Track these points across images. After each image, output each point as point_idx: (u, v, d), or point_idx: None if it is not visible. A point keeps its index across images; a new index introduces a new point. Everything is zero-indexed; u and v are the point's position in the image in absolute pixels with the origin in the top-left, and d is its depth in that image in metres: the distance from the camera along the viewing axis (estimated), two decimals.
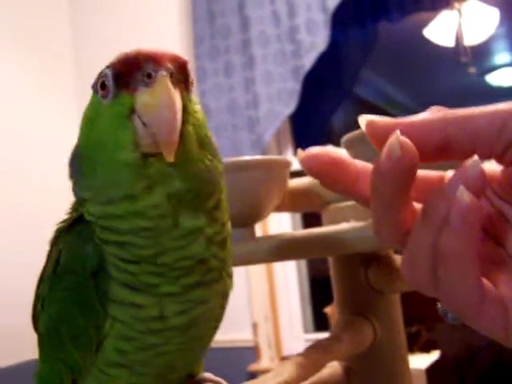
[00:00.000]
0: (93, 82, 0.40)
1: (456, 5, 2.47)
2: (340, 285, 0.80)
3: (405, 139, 0.25)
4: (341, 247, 0.63)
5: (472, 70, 2.65)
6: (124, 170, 0.37)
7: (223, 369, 0.70)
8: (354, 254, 0.74)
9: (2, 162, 2.33)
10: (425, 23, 2.62)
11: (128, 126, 0.36)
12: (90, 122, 0.40)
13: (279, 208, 0.77)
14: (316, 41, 2.35)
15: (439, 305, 0.27)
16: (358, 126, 0.29)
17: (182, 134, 0.36)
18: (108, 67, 0.38)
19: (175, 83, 0.36)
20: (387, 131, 0.26)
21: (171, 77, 0.36)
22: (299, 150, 0.29)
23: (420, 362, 2.01)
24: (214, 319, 0.44)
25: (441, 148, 0.26)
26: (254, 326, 2.45)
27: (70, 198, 0.43)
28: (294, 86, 2.37)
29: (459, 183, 0.24)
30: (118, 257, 0.40)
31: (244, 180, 0.66)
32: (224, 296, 0.44)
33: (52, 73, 2.70)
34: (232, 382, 0.50)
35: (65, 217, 0.44)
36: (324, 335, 0.71)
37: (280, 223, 2.48)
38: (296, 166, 0.48)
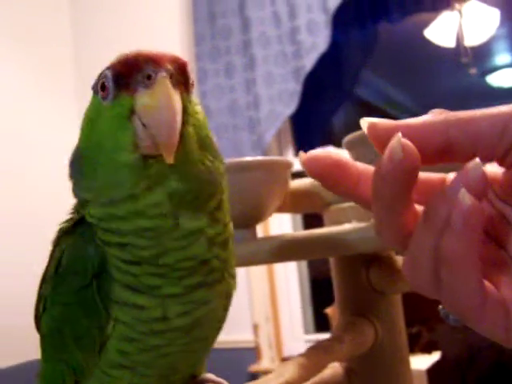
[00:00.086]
0: (93, 82, 0.40)
1: (457, 5, 2.47)
2: (341, 285, 0.80)
3: (406, 141, 0.25)
4: (342, 248, 0.63)
5: (473, 70, 2.65)
6: (124, 171, 0.37)
7: (224, 369, 0.70)
8: (356, 254, 0.75)
9: (2, 162, 2.33)
10: (425, 24, 2.62)
11: (128, 127, 0.36)
12: (91, 122, 0.40)
13: (280, 209, 0.77)
14: (317, 41, 2.35)
15: (441, 307, 0.27)
16: (358, 127, 0.29)
17: (182, 135, 0.36)
18: (108, 68, 0.38)
19: (175, 84, 0.36)
20: (389, 133, 0.26)
21: (171, 78, 0.36)
22: (301, 153, 0.29)
23: (421, 362, 2.01)
24: (217, 320, 0.44)
25: (442, 150, 0.26)
26: (255, 327, 2.45)
27: (70, 198, 0.43)
28: (294, 87, 2.37)
29: (461, 186, 0.24)
30: (120, 258, 0.40)
31: (245, 181, 0.66)
32: (227, 296, 0.44)
33: (52, 72, 2.70)
34: (233, 383, 0.50)
35: (67, 217, 0.44)
36: (325, 336, 0.71)
37: (281, 224, 2.48)
38: (297, 166, 0.49)
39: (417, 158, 0.25)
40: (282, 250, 0.66)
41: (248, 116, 2.43)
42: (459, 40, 2.51)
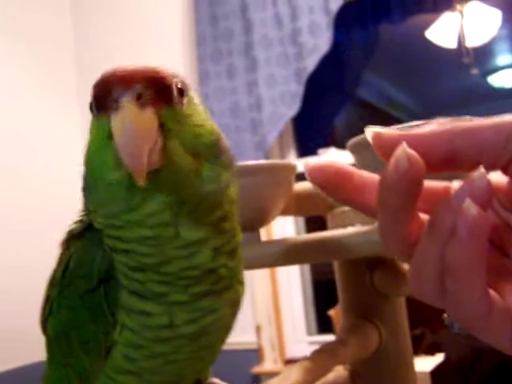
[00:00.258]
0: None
1: (458, 6, 2.47)
2: (345, 289, 0.80)
3: (411, 151, 0.25)
4: (346, 252, 0.63)
5: (474, 71, 2.65)
6: (114, 188, 0.37)
7: (226, 371, 0.70)
8: (360, 258, 0.75)
9: (3, 162, 2.32)
10: (427, 25, 2.62)
11: (109, 146, 0.36)
12: (87, 140, 0.40)
13: (284, 212, 0.77)
14: (318, 43, 2.35)
15: (446, 315, 0.27)
16: (360, 128, 0.29)
17: (165, 150, 0.36)
18: (92, 88, 0.38)
19: (146, 103, 0.35)
20: (393, 143, 0.26)
21: (139, 98, 0.35)
22: (305, 161, 0.29)
23: (424, 364, 2.00)
24: (225, 328, 0.44)
25: (447, 160, 0.27)
26: (258, 329, 2.45)
27: (71, 199, 0.44)
28: (296, 89, 2.37)
29: (466, 195, 0.24)
30: (126, 265, 0.40)
31: (249, 185, 0.66)
32: (235, 304, 0.44)
33: (54, 72, 2.69)
34: None
35: (77, 218, 0.45)
36: (327, 337, 0.71)
37: (284, 227, 2.48)
38: (301, 168, 0.48)
39: (422, 168, 0.25)
40: (286, 254, 0.66)
41: (250, 118, 2.43)
42: (461, 41, 2.51)
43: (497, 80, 4.03)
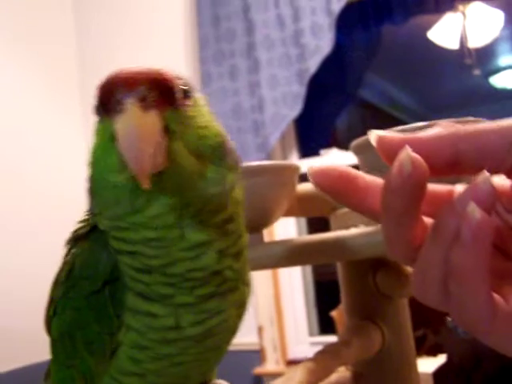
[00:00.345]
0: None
1: (460, 7, 2.47)
2: (348, 290, 0.80)
3: (415, 155, 0.25)
4: (349, 253, 0.63)
5: (476, 72, 2.65)
6: (118, 191, 0.37)
7: (228, 372, 0.70)
8: (363, 259, 0.75)
9: (3, 162, 2.32)
10: (429, 25, 2.62)
11: (113, 149, 0.36)
12: (93, 142, 0.40)
13: (287, 212, 0.78)
14: (320, 44, 2.35)
15: (449, 319, 0.27)
16: (362, 129, 0.29)
17: (170, 152, 0.36)
18: (97, 89, 0.38)
19: (149, 106, 0.35)
20: (397, 147, 0.26)
21: (143, 100, 0.35)
22: (309, 166, 0.29)
23: (427, 365, 2.00)
24: (231, 329, 0.44)
25: (451, 163, 0.27)
26: (260, 330, 2.45)
27: (71, 199, 0.44)
28: (298, 90, 2.37)
29: (470, 199, 0.24)
30: (131, 266, 0.40)
31: (253, 186, 0.66)
32: (241, 305, 0.44)
33: (56, 72, 2.69)
34: None
35: (83, 217, 0.45)
36: (329, 338, 0.71)
37: (286, 228, 2.48)
38: (304, 169, 0.49)
39: (426, 172, 0.25)
40: (289, 255, 0.66)
41: (252, 119, 2.43)
42: (463, 41, 2.51)
43: (499, 81, 4.03)
